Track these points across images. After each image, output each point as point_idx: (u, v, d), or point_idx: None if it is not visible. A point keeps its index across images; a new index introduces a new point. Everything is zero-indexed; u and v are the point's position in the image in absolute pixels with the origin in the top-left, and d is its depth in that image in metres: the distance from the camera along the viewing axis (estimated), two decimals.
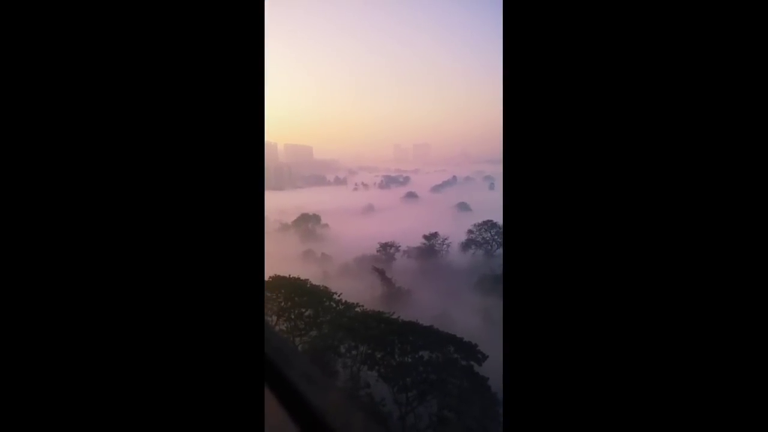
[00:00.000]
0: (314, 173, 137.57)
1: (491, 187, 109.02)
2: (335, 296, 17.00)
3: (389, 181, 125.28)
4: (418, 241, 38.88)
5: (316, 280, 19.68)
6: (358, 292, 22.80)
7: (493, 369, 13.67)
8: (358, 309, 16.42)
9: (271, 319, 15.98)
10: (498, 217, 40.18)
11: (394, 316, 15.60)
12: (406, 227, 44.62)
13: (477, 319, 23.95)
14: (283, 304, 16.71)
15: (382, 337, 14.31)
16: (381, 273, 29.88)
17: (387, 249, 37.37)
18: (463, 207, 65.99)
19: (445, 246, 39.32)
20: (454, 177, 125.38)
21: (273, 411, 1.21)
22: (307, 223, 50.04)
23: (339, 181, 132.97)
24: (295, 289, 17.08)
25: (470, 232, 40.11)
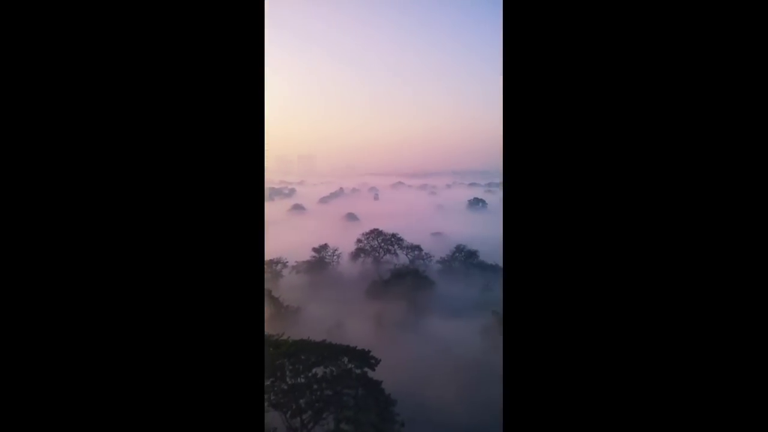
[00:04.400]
0: None
1: (376, 197, 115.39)
2: None
3: (273, 194, 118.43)
4: (307, 254, 37.70)
5: None
6: None
7: (386, 372, 14.19)
8: None
9: None
10: (383, 226, 42.63)
11: (284, 338, 14.58)
12: (294, 241, 42.80)
13: (369, 325, 24.62)
14: None
15: (271, 363, 13.12)
16: (266, 293, 27.63)
17: (272, 266, 34.89)
18: (351, 217, 67.64)
19: (335, 257, 39.30)
20: (341, 188, 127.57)
21: None
22: None
23: None
24: None
25: (359, 241, 41.28)
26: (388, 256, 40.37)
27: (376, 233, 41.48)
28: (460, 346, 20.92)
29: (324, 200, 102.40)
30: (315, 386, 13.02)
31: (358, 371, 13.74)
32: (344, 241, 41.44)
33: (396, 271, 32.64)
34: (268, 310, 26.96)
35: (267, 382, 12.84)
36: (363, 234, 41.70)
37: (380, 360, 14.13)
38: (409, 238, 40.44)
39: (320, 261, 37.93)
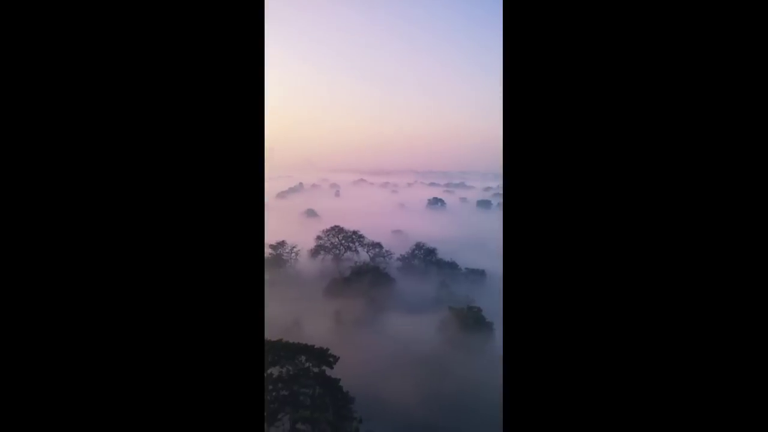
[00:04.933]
0: None
1: (337, 194, 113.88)
2: None
3: None
4: (264, 251, 36.20)
5: None
6: None
7: (344, 369, 14.13)
8: None
9: None
10: (344, 223, 42.24)
11: None
12: None
13: (328, 323, 24.33)
14: None
15: None
16: None
17: None
18: (311, 213, 66.18)
19: (293, 254, 38.23)
20: (300, 183, 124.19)
21: None
22: None
23: None
24: None
25: (319, 238, 40.54)
26: (348, 254, 40.13)
27: (336, 230, 41.01)
28: (417, 342, 21.43)
29: (282, 195, 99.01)
30: (270, 387, 12.60)
31: (315, 370, 13.53)
32: (303, 237, 40.46)
33: (356, 268, 32.56)
34: None
35: None
36: (323, 231, 41.01)
37: (339, 357, 14.03)
38: (370, 235, 40.53)
39: (277, 258, 36.69)
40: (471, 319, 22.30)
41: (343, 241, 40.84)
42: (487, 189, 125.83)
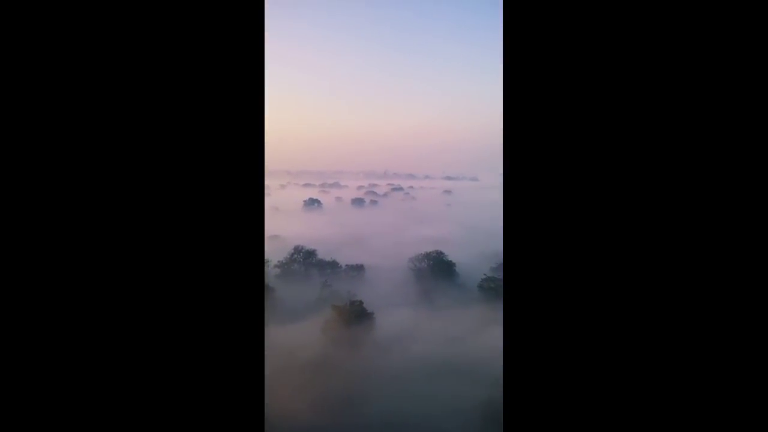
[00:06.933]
0: None
1: None
2: None
3: None
4: None
5: None
6: None
7: None
8: None
9: None
10: None
11: None
12: None
13: None
14: None
15: None
16: None
17: None
18: None
19: None
20: None
21: None
22: None
23: None
24: None
25: None
26: None
27: None
28: (302, 348, 20.88)
29: None
30: None
31: None
32: None
33: None
34: None
35: None
36: None
37: None
38: None
39: None
40: (353, 314, 23.13)
41: None
42: (360, 188, 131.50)
